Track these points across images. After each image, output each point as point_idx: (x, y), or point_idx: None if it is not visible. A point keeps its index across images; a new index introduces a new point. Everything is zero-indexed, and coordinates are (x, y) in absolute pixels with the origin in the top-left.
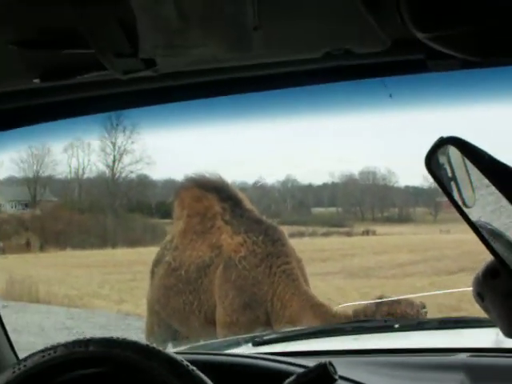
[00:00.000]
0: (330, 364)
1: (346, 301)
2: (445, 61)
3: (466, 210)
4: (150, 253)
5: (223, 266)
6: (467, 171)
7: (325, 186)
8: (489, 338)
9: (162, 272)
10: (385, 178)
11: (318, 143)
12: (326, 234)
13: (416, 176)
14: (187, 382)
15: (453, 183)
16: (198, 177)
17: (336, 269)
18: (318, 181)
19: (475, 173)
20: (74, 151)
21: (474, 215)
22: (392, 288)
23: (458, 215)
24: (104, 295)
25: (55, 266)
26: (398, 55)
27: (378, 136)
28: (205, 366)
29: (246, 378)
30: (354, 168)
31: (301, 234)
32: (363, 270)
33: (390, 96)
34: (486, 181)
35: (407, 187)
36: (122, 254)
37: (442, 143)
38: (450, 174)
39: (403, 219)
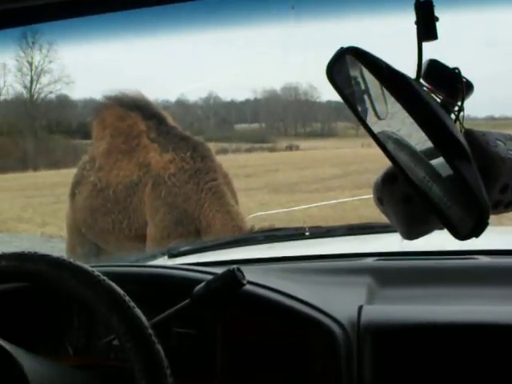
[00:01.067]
0: (239, 270)
1: (271, 214)
2: None
3: (369, 121)
4: (72, 174)
5: (152, 183)
6: (365, 81)
7: (247, 102)
8: (394, 242)
9: (86, 193)
10: (307, 93)
11: (236, 58)
12: (249, 150)
13: None
14: (98, 291)
15: (366, 96)
16: (120, 95)
17: (260, 184)
18: (240, 97)
19: (372, 81)
20: None
21: (379, 126)
22: (314, 202)
23: None
24: (27, 219)
25: None
26: None
27: (297, 51)
28: (117, 277)
29: (157, 287)
30: (276, 83)
31: (224, 151)
32: (286, 185)
33: (293, 8)
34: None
35: (329, 102)
36: (43, 176)
37: (343, 53)
38: (363, 87)
39: (326, 134)
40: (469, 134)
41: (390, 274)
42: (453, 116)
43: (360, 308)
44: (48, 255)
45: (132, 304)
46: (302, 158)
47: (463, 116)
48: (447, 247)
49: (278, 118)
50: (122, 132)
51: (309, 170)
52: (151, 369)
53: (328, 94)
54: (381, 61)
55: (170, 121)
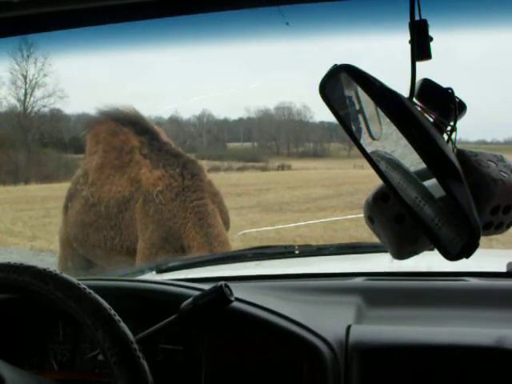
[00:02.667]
0: (226, 286)
1: (261, 234)
2: None
3: (362, 140)
4: (63, 188)
5: (142, 200)
6: (358, 99)
7: (240, 120)
8: (383, 262)
9: (78, 207)
10: (300, 113)
11: (230, 77)
12: (241, 169)
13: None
14: (83, 304)
15: (360, 116)
16: (113, 110)
17: (251, 203)
18: (233, 116)
19: (367, 101)
20: None
21: (373, 146)
22: (305, 221)
23: None
24: (17, 232)
25: None
26: None
27: (291, 70)
28: (103, 291)
29: (143, 302)
30: (270, 103)
31: (216, 169)
32: (278, 205)
33: (287, 24)
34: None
35: (322, 122)
36: (34, 189)
37: (336, 70)
38: (357, 107)
39: (318, 154)
40: (461, 154)
41: (379, 294)
42: (445, 136)
43: (348, 328)
44: (34, 267)
45: (117, 318)
46: (294, 177)
47: (456, 136)
48: (437, 268)
49: (270, 138)
50: (115, 147)
51: (300, 189)
52: None
53: (321, 114)
54: (374, 78)
55: (163, 136)
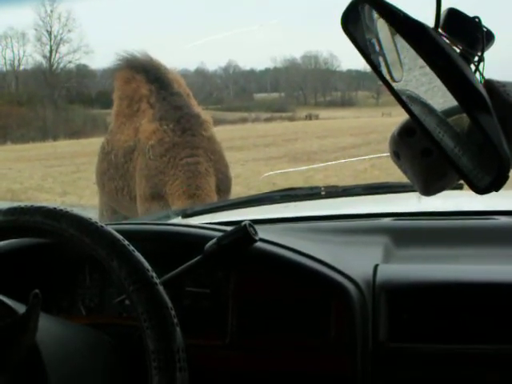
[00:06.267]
0: (250, 225)
1: (291, 184)
2: None
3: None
4: (91, 144)
5: (140, 152)
6: (379, 40)
7: (267, 71)
8: (411, 202)
9: (100, 156)
10: (327, 61)
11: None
12: (269, 120)
13: (359, 59)
14: (96, 237)
15: (381, 58)
16: (129, 57)
17: (279, 153)
18: (260, 66)
19: (387, 44)
20: (8, 42)
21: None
22: (334, 171)
23: None
24: (47, 188)
25: None
26: None
27: (317, 19)
28: (129, 234)
29: (169, 245)
30: (296, 52)
31: (244, 120)
32: (306, 154)
33: None
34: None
35: (350, 71)
36: (63, 145)
37: (358, 2)
38: (377, 49)
39: (346, 103)
40: (489, 84)
41: (407, 233)
42: (473, 67)
43: (376, 267)
44: (44, 206)
45: (132, 248)
46: (322, 127)
47: (483, 67)
48: (466, 208)
49: (297, 87)
50: (128, 95)
51: (328, 139)
52: (154, 310)
53: (348, 62)
54: (397, 9)
55: (176, 86)
